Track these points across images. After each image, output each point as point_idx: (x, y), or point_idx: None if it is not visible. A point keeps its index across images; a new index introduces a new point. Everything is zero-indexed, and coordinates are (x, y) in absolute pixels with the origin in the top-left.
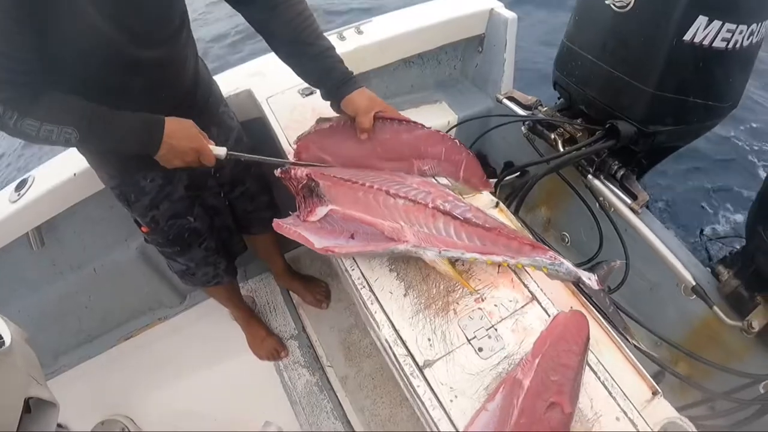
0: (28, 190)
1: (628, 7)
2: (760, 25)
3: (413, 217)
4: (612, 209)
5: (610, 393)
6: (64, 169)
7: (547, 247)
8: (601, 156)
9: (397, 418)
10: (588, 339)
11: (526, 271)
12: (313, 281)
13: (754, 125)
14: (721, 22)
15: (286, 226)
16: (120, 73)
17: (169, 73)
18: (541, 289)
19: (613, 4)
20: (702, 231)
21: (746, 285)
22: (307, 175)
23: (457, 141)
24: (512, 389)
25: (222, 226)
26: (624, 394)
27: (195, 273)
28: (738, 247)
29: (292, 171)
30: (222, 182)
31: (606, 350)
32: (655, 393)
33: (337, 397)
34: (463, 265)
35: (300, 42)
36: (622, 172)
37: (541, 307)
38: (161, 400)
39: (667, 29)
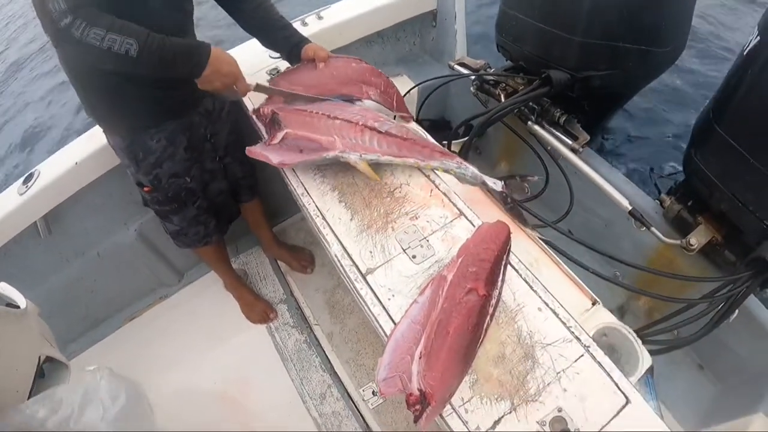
0: (34, 182)
1: None
2: None
3: (345, 132)
4: (560, 154)
5: (531, 287)
6: (66, 159)
7: (455, 154)
8: (544, 105)
9: None
10: (507, 240)
11: (455, 194)
12: (299, 249)
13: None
14: None
15: (255, 150)
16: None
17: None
18: (468, 207)
19: None
20: (652, 169)
21: (688, 209)
22: (271, 110)
23: (390, 80)
24: (439, 283)
25: (217, 189)
26: (544, 287)
27: (187, 233)
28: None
29: (261, 109)
30: (217, 147)
31: (545, 268)
32: (594, 303)
33: (324, 352)
34: (400, 192)
35: (267, 21)
36: (564, 118)
37: (468, 220)
38: (168, 371)
39: None
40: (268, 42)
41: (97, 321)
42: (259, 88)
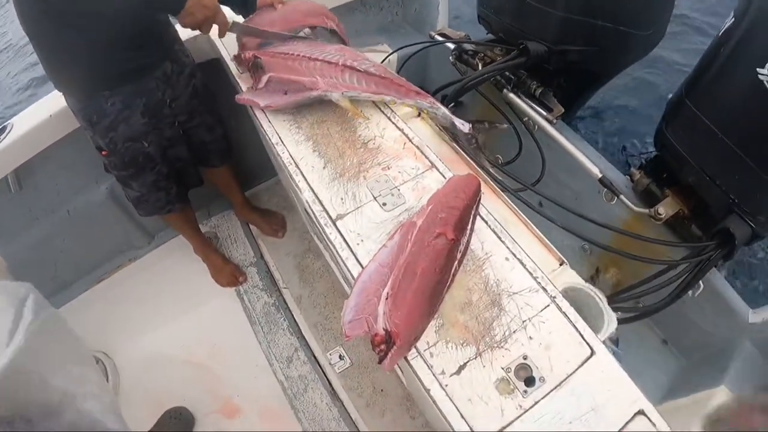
0: (7, 134)
1: None
2: None
3: (326, 72)
4: (534, 125)
5: (499, 237)
6: (40, 112)
7: (428, 95)
8: (521, 77)
9: None
10: (477, 191)
11: (428, 147)
12: (270, 213)
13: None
14: None
15: (243, 96)
16: None
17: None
18: (440, 160)
19: None
20: (624, 148)
21: (656, 182)
22: (253, 54)
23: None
24: (408, 229)
25: (175, 156)
26: (512, 238)
27: (148, 199)
28: None
29: (242, 54)
30: (177, 113)
31: (514, 228)
32: (561, 263)
33: (292, 315)
34: (374, 143)
35: None
36: (540, 90)
37: (439, 172)
38: (135, 334)
39: None
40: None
41: (66, 282)
42: (235, 26)
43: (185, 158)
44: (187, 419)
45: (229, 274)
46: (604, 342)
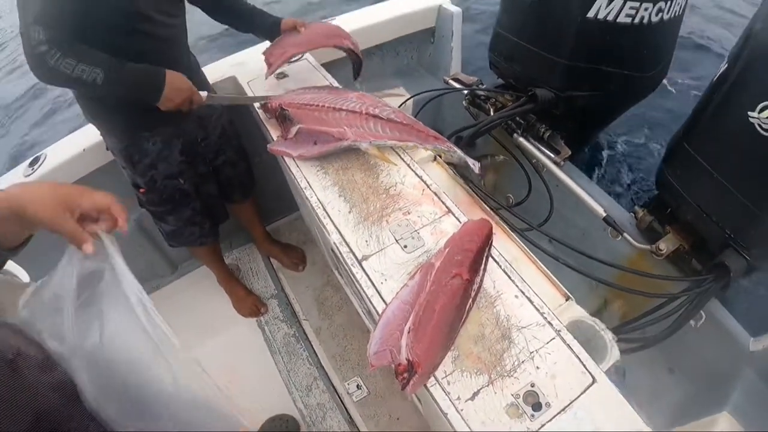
0: (41, 165)
1: None
2: (670, 2)
3: (352, 122)
4: (543, 167)
5: (509, 277)
6: (73, 146)
7: (446, 139)
8: (530, 121)
9: (366, 363)
10: (489, 234)
11: (444, 194)
12: (291, 248)
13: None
14: (622, 1)
15: (275, 147)
16: (133, 40)
17: (172, 47)
18: (456, 206)
19: None
20: (629, 185)
21: (658, 220)
22: (279, 104)
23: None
24: (427, 270)
25: (207, 192)
26: (521, 278)
27: (183, 233)
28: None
29: (269, 104)
30: (208, 151)
31: (523, 266)
32: (567, 299)
33: (312, 346)
34: (395, 189)
35: (242, 11)
36: (548, 133)
37: (455, 217)
38: None
39: (571, 9)
40: (248, 28)
41: None
42: (210, 98)
43: (215, 194)
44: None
45: (251, 304)
46: (607, 371)
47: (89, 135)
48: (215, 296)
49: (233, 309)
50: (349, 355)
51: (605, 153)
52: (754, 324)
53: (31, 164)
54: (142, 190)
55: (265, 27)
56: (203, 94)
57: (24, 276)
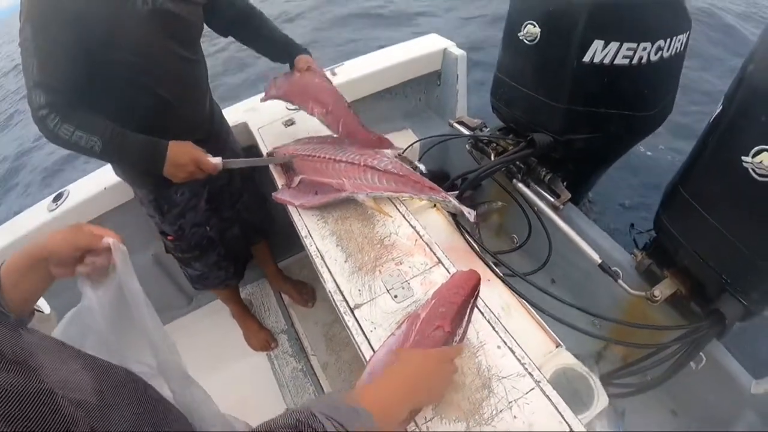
0: (64, 201)
1: (536, 40)
2: (669, 40)
3: (351, 173)
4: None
5: (493, 327)
6: (96, 183)
7: (441, 189)
8: (531, 165)
9: None
10: (476, 286)
11: (436, 244)
12: (301, 284)
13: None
14: (618, 43)
15: (279, 195)
16: (143, 95)
17: (189, 98)
18: (447, 257)
19: (525, 39)
20: (632, 225)
21: (657, 263)
22: (284, 154)
23: (345, 102)
24: (413, 320)
25: (232, 236)
26: (504, 328)
27: (208, 277)
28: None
29: (275, 153)
30: (232, 195)
31: (516, 312)
32: (558, 346)
33: (318, 381)
34: (389, 240)
35: (268, 37)
36: (549, 177)
37: (445, 267)
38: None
39: (568, 54)
40: (272, 57)
41: None
42: (227, 164)
43: (239, 237)
44: None
45: (262, 339)
46: (598, 415)
47: (110, 174)
48: (228, 329)
49: (245, 342)
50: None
51: (605, 194)
52: (757, 366)
53: (55, 200)
54: (170, 238)
55: (288, 56)
56: (216, 161)
57: (45, 307)
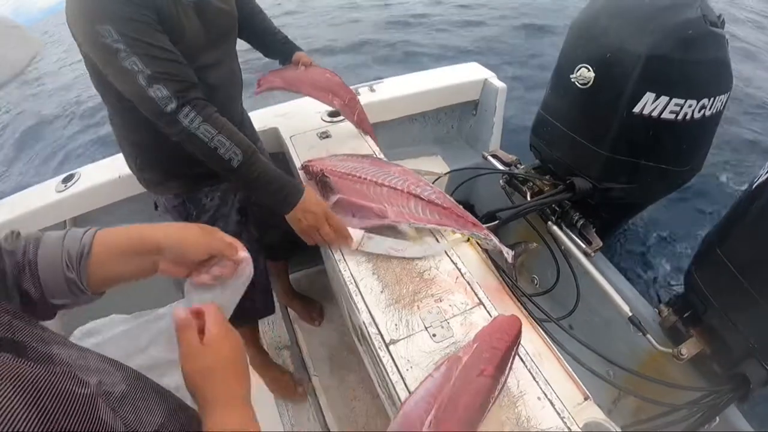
0: (74, 183)
1: (589, 84)
2: (713, 99)
3: (393, 200)
4: (571, 254)
5: (534, 378)
6: (109, 170)
7: (483, 226)
8: (564, 207)
9: (371, 426)
10: (519, 333)
11: (477, 284)
12: (310, 302)
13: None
14: (668, 98)
15: None
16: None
17: (230, 93)
18: (488, 298)
19: (577, 82)
20: (656, 279)
21: (683, 321)
22: (321, 170)
23: (354, 95)
24: (454, 363)
25: (262, 260)
26: (545, 379)
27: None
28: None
29: (310, 166)
30: (260, 211)
31: (546, 361)
32: (586, 398)
33: (319, 403)
34: (429, 274)
35: (270, 32)
36: (581, 222)
37: (486, 310)
38: None
39: (619, 103)
40: (268, 52)
41: None
42: (362, 246)
43: (263, 268)
44: None
45: (285, 384)
46: None
47: (122, 162)
48: None
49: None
50: (356, 418)
51: (635, 243)
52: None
53: (65, 180)
54: None
55: (282, 53)
56: (356, 234)
57: None
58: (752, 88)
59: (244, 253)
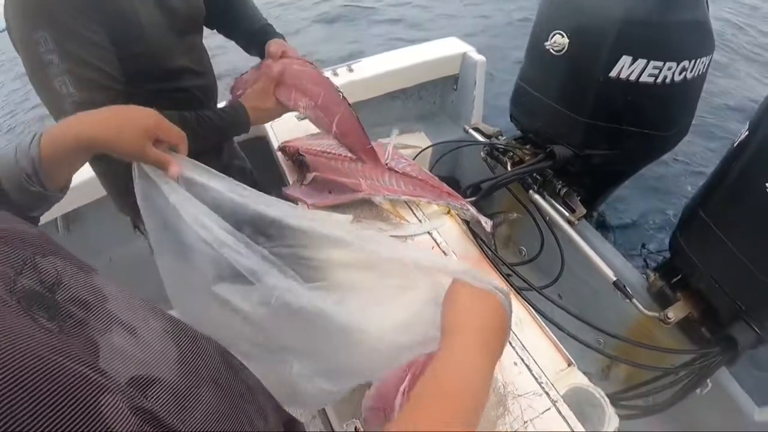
0: None
1: (563, 51)
2: (694, 61)
3: (367, 173)
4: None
5: (510, 344)
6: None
7: (460, 196)
8: (547, 176)
9: None
10: None
11: (453, 253)
12: None
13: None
14: (646, 61)
15: (289, 191)
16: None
17: (205, 90)
18: (465, 261)
19: (552, 49)
20: (644, 245)
21: (670, 285)
22: (297, 149)
23: (341, 93)
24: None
25: None
26: (522, 344)
27: None
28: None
29: (287, 147)
30: None
31: (528, 327)
32: (570, 364)
33: None
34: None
35: (246, 27)
36: (564, 190)
37: None
38: None
39: (595, 67)
40: (246, 46)
41: None
42: None
43: None
44: None
45: None
46: None
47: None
48: None
49: None
50: (351, 396)
51: (621, 212)
52: (763, 393)
53: None
54: None
55: (257, 46)
56: (345, 219)
57: None
58: None
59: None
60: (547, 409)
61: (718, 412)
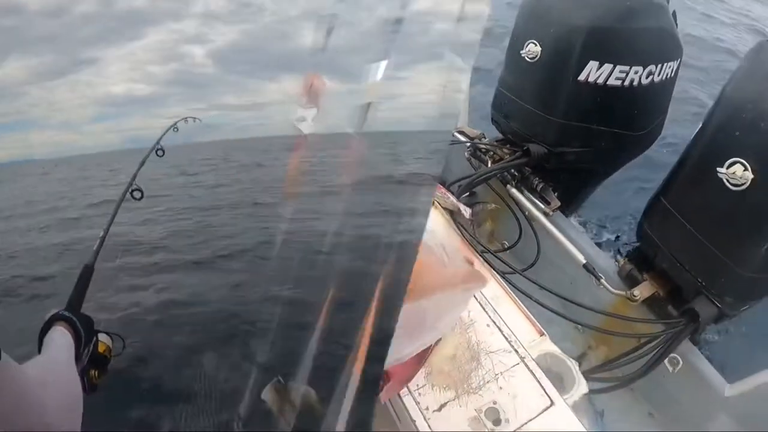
0: None
1: (537, 58)
2: (660, 66)
3: None
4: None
5: (482, 308)
6: None
7: (441, 186)
8: (524, 173)
9: None
10: None
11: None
12: None
13: None
14: (612, 65)
15: None
16: None
17: None
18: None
19: (527, 57)
20: (618, 237)
21: (637, 267)
22: None
23: None
24: None
25: None
26: (494, 309)
27: None
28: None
29: None
30: None
31: (503, 302)
32: (541, 334)
33: None
34: None
35: None
36: (541, 185)
37: None
38: None
39: (565, 72)
40: None
41: None
42: None
43: None
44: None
45: None
46: (574, 405)
47: None
48: None
49: None
50: None
51: (599, 208)
52: (732, 370)
53: None
54: None
55: None
56: None
57: None
58: None
59: None
60: (516, 364)
61: (691, 390)
